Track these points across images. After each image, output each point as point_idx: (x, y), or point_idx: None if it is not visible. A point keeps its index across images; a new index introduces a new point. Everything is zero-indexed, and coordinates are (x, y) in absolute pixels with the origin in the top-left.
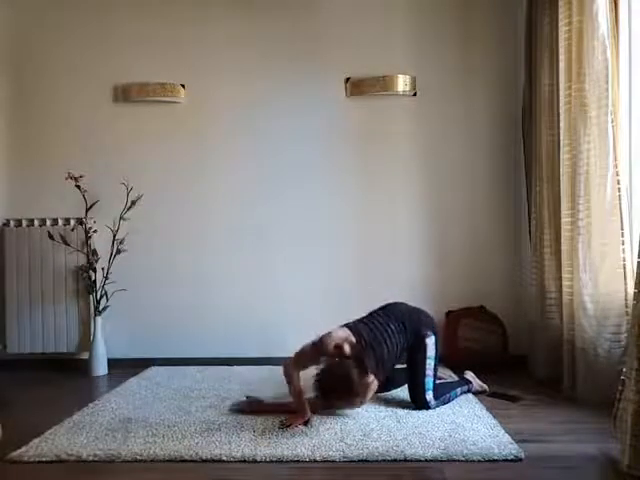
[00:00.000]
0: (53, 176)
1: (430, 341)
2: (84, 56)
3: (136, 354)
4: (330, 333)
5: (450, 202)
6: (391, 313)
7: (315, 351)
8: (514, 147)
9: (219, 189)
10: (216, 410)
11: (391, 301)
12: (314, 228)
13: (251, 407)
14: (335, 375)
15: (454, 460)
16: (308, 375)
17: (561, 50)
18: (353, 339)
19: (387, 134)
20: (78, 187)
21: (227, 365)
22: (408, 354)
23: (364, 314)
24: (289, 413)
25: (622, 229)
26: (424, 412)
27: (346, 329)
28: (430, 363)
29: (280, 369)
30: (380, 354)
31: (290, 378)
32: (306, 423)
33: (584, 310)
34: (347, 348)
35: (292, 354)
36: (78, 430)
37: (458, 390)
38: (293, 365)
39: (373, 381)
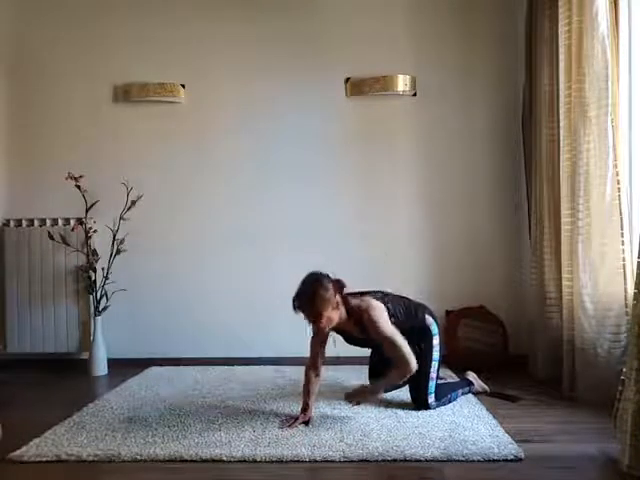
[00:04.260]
0: (53, 176)
1: (436, 342)
2: (84, 56)
3: (136, 354)
4: None
5: (450, 202)
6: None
7: (315, 331)
8: (514, 147)
9: (219, 189)
10: (216, 410)
11: None
12: (314, 228)
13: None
14: (306, 281)
15: (454, 460)
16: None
17: (561, 50)
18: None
19: (387, 134)
20: (78, 187)
21: (227, 365)
22: (413, 337)
23: None
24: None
25: (622, 229)
26: (424, 412)
27: None
28: (435, 366)
29: (281, 369)
30: (377, 294)
31: (306, 375)
32: (306, 423)
33: (584, 310)
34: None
35: (292, 354)
36: (78, 430)
37: (459, 391)
38: (309, 364)
39: (371, 300)
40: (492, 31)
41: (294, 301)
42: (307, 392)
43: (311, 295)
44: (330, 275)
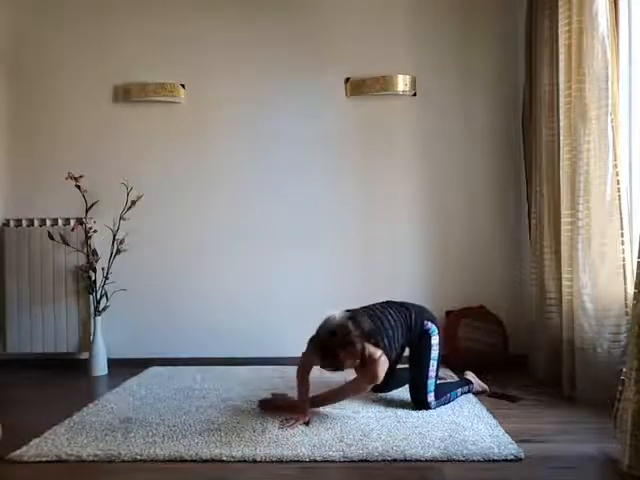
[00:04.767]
0: (53, 176)
1: (435, 341)
2: (84, 56)
3: (136, 354)
4: (329, 318)
5: (450, 202)
6: (394, 303)
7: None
8: (514, 147)
9: (219, 189)
10: (216, 410)
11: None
12: (314, 228)
13: (277, 403)
14: (330, 326)
15: (454, 460)
16: (315, 376)
17: (561, 50)
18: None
19: (387, 134)
20: (78, 187)
21: (227, 365)
22: (412, 353)
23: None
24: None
25: (622, 229)
26: (424, 412)
27: (345, 312)
28: (434, 364)
29: (281, 369)
30: (383, 331)
31: (297, 379)
32: (307, 423)
33: (584, 310)
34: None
35: (292, 354)
36: (78, 430)
37: (459, 391)
38: (301, 365)
39: (381, 355)
40: (492, 31)
41: (314, 341)
42: (304, 392)
43: (335, 353)
44: (354, 318)
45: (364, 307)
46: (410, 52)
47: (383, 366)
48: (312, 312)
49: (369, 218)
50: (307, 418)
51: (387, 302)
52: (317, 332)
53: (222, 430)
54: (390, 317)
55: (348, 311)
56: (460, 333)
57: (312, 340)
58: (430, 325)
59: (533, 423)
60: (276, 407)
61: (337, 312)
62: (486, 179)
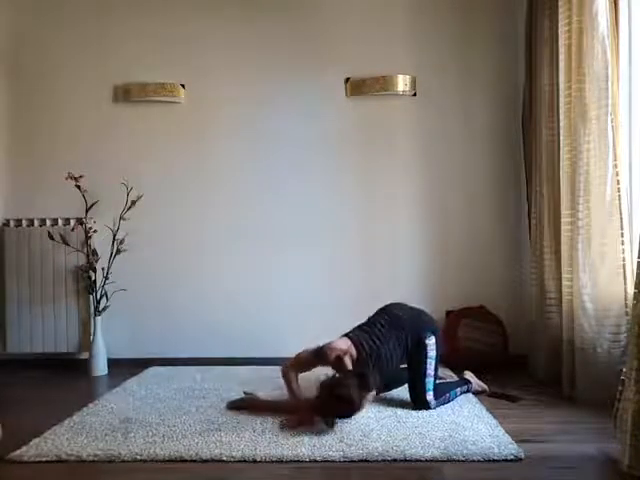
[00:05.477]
0: (53, 176)
1: (431, 341)
2: (84, 56)
3: (136, 354)
4: (331, 343)
5: (450, 202)
6: (392, 319)
7: (314, 360)
8: (514, 147)
9: (219, 189)
10: (216, 410)
11: (390, 302)
12: (314, 228)
13: (248, 403)
14: (336, 395)
15: (454, 460)
16: (306, 375)
17: (561, 50)
18: (354, 351)
19: (387, 134)
20: (78, 187)
21: (227, 365)
22: (409, 354)
23: (364, 319)
24: (285, 412)
25: (622, 229)
26: (424, 412)
27: (347, 340)
28: (431, 363)
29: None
30: (380, 366)
31: (288, 381)
32: (311, 424)
33: (584, 310)
34: (348, 362)
35: (292, 355)
36: (78, 430)
37: (458, 390)
38: (291, 368)
39: (370, 395)
40: (492, 31)
41: (322, 408)
42: (298, 398)
43: (340, 412)
44: (361, 372)
45: (364, 330)
46: (410, 52)
47: (368, 402)
48: (312, 312)
49: (369, 218)
50: (308, 420)
51: (386, 316)
52: (323, 394)
53: (222, 430)
54: (389, 348)
55: (347, 336)
56: (460, 333)
57: (315, 352)
58: (426, 332)
59: (533, 423)
60: (249, 408)
61: (339, 342)
62: (486, 179)
